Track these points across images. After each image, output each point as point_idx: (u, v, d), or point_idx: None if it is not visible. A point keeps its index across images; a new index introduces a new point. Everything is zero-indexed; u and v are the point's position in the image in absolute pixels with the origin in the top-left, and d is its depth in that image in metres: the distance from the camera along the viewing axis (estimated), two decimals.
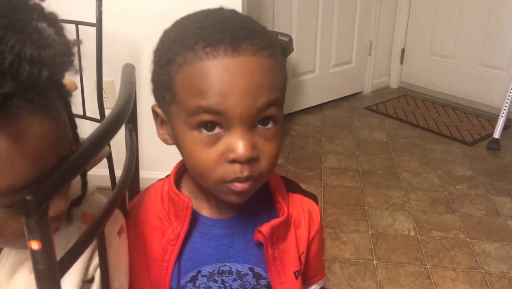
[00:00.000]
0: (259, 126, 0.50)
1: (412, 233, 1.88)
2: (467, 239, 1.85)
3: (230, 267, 0.60)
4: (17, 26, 0.40)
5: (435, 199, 2.12)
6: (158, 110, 0.55)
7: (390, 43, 3.40)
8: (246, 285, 0.61)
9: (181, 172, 0.62)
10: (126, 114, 0.55)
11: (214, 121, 0.48)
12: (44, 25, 0.43)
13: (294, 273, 0.62)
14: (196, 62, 0.48)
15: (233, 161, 0.49)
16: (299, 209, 0.64)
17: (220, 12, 0.53)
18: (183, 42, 0.49)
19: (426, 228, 1.91)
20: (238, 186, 0.50)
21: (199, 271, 0.60)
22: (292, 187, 0.66)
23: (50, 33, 0.43)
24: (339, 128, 2.87)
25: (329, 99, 3.21)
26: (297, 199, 0.64)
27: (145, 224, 0.61)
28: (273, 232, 0.58)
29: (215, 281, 0.60)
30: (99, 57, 1.53)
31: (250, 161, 0.49)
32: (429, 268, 1.69)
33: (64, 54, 0.44)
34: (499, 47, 2.90)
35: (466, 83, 3.11)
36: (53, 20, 0.44)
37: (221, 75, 0.47)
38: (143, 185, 0.83)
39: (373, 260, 1.72)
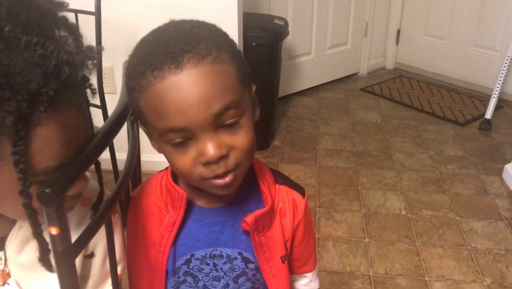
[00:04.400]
0: (223, 126, 0.54)
1: (403, 212, 1.95)
2: (456, 217, 1.92)
3: (220, 251, 0.66)
4: (48, 35, 0.46)
5: (426, 179, 2.19)
6: (143, 127, 0.60)
7: (386, 24, 3.42)
8: (235, 268, 0.67)
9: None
10: (129, 110, 0.61)
11: (181, 136, 0.53)
12: (66, 33, 0.49)
13: (281, 257, 0.68)
14: (149, 87, 0.52)
15: (207, 163, 0.53)
16: (285, 200, 0.68)
17: (167, 30, 0.55)
18: (137, 69, 0.53)
19: (417, 207, 1.98)
20: (220, 181, 0.55)
21: (192, 255, 0.66)
22: (280, 179, 0.70)
23: (71, 41, 0.49)
24: (334, 110, 2.92)
25: (325, 81, 3.25)
26: (283, 190, 0.69)
27: (145, 211, 0.66)
28: (257, 222, 0.64)
29: (207, 264, 0.66)
30: (98, 44, 1.57)
31: (221, 158, 0.53)
32: (418, 245, 1.77)
33: (90, 58, 0.50)
34: (493, 28, 2.93)
35: (460, 64, 3.15)
36: (74, 30, 0.50)
37: (171, 94, 0.51)
38: (143, 167, 0.88)
39: (365, 238, 1.80)
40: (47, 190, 0.42)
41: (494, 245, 1.77)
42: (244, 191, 0.66)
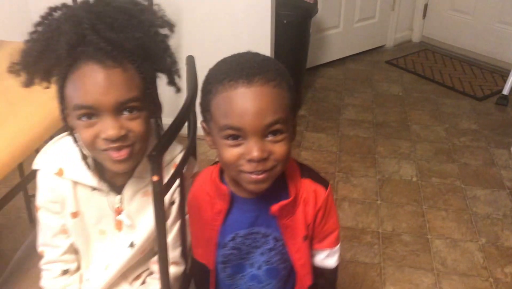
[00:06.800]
0: (269, 136, 0.69)
1: (414, 179, 2.18)
2: (462, 185, 2.14)
3: (258, 230, 0.83)
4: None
5: (439, 150, 2.39)
6: (204, 125, 0.77)
7: None
8: (268, 242, 0.83)
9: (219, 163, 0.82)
10: (196, 96, 0.85)
11: (236, 134, 0.69)
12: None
13: (303, 237, 0.83)
14: (223, 92, 0.69)
15: (250, 160, 0.69)
16: (308, 190, 0.82)
17: (244, 56, 0.74)
18: (217, 78, 0.71)
19: (427, 175, 2.20)
20: (254, 177, 0.71)
21: (237, 234, 0.83)
22: (306, 173, 0.84)
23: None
24: (359, 82, 3.10)
25: (352, 53, 3.41)
26: (307, 183, 0.83)
27: (200, 197, 0.84)
28: (282, 209, 0.79)
29: (248, 239, 0.83)
30: None
31: (261, 160, 0.69)
32: (425, 208, 2.00)
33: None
34: None
35: (484, 40, 3.25)
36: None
37: (239, 101, 0.68)
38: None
39: (377, 200, 2.04)
40: (153, 153, 0.68)
41: (493, 211, 1.98)
42: (275, 184, 0.78)
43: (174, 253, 0.90)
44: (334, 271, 0.89)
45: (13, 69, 0.73)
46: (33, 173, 1.39)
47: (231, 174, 0.75)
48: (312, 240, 0.85)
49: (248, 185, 0.73)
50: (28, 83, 0.73)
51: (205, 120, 0.76)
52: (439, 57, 3.41)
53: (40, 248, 0.91)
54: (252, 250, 0.84)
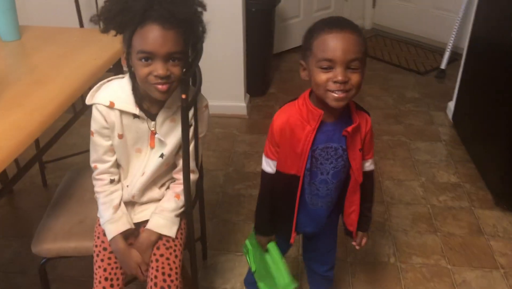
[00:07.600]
0: (349, 68, 0.97)
1: None
2: (407, 140, 2.58)
3: (331, 145, 1.11)
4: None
5: (388, 115, 2.83)
6: (302, 62, 1.05)
7: None
8: (337, 153, 1.12)
9: (307, 96, 1.10)
10: (199, 59, 1.20)
11: (328, 65, 0.98)
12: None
13: (359, 149, 1.14)
14: (323, 35, 0.98)
15: (336, 82, 0.97)
16: (362, 118, 1.13)
17: (335, 16, 1.04)
18: (317, 28, 1.00)
19: (378, 134, 2.63)
20: (336, 95, 0.99)
21: (317, 147, 1.11)
22: (358, 106, 1.14)
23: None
24: None
25: None
26: (361, 113, 1.14)
27: (292, 124, 1.09)
28: (352, 130, 1.09)
29: (323, 151, 1.12)
30: None
31: (344, 82, 0.97)
32: (376, 159, 2.42)
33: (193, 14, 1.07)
34: None
35: (425, 24, 3.74)
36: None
37: (333, 41, 0.96)
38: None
39: None
40: (184, 76, 1.04)
41: (431, 158, 2.43)
42: (343, 115, 1.11)
43: (191, 163, 1.25)
44: (373, 173, 1.27)
45: (94, 20, 1.07)
46: (48, 145, 1.74)
47: (320, 92, 1.02)
48: (363, 153, 1.17)
49: (332, 102, 1.01)
50: (105, 31, 1.07)
51: (305, 57, 1.04)
52: (388, 41, 3.87)
53: (93, 164, 1.25)
54: (325, 162, 1.14)
